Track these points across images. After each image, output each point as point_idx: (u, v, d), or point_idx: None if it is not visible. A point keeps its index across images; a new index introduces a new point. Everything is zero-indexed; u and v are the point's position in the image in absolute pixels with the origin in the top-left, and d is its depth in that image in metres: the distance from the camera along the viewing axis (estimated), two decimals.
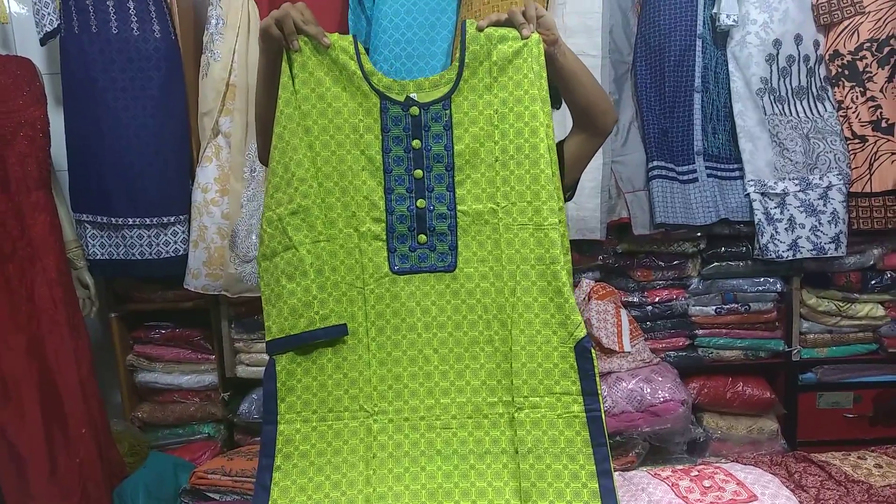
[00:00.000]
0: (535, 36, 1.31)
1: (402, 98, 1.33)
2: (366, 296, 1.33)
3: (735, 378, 2.42)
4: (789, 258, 2.29)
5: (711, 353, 2.42)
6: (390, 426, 1.33)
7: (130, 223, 2.24)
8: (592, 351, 1.29)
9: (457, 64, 1.33)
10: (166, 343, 2.48)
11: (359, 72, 1.32)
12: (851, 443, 2.42)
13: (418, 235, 1.33)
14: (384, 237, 1.32)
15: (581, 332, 1.28)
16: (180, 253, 2.30)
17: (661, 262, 2.36)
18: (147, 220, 2.25)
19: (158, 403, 2.49)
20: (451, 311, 1.33)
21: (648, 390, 2.09)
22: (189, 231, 2.30)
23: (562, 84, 1.39)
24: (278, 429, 1.31)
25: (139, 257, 2.27)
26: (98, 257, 2.28)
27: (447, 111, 1.32)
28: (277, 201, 1.30)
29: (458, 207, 1.32)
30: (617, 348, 2.18)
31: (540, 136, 1.28)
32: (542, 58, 1.31)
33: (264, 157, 1.41)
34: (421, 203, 1.32)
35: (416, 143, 1.32)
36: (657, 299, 2.38)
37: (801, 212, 2.30)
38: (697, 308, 2.40)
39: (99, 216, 2.24)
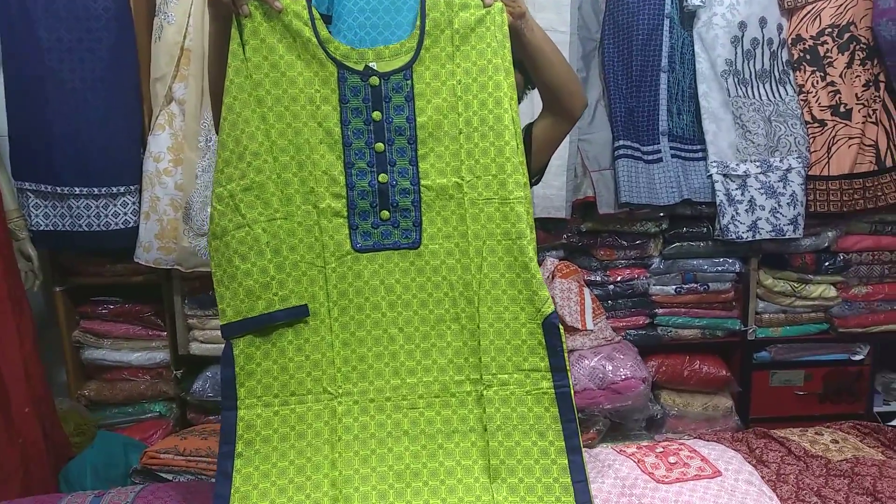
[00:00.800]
0: (498, 4, 1.26)
1: (360, 67, 1.28)
2: (327, 275, 1.28)
3: (692, 356, 2.46)
4: (749, 239, 2.33)
5: (670, 331, 2.45)
6: (355, 408, 1.29)
7: (77, 192, 2.14)
8: (560, 327, 1.27)
9: (417, 32, 1.28)
10: (115, 319, 2.38)
11: (314, 38, 1.26)
12: (802, 419, 2.48)
13: (381, 211, 1.29)
14: (345, 214, 1.27)
15: (549, 308, 1.26)
16: (130, 225, 2.21)
17: (623, 242, 2.37)
18: (95, 189, 2.16)
19: (106, 381, 2.40)
20: (416, 288, 1.29)
21: (610, 368, 2.10)
22: (140, 202, 2.21)
23: (529, 62, 1.35)
24: (238, 414, 1.27)
25: (86, 229, 2.18)
26: (42, 228, 2.17)
27: (408, 81, 1.27)
28: (228, 176, 1.24)
29: (422, 182, 1.28)
30: (580, 326, 2.18)
31: (504, 107, 1.25)
32: (506, 27, 1.27)
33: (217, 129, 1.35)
34: (383, 178, 1.28)
35: (376, 114, 1.28)
36: (619, 278, 2.39)
37: (762, 194, 2.33)
38: (658, 287, 2.42)
39: (43, 185, 2.14)
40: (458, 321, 1.29)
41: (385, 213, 1.28)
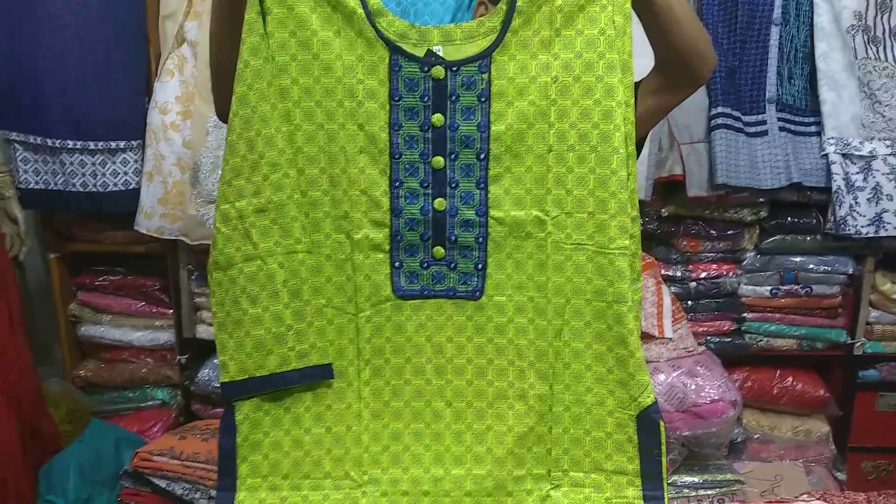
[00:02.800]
0: None
1: (421, 52, 0.96)
2: (359, 326, 1.01)
3: (784, 371, 2.09)
4: (869, 235, 1.90)
5: (760, 340, 2.06)
6: (383, 501, 1.01)
7: (70, 147, 1.88)
8: (661, 424, 0.99)
9: (503, 7, 0.95)
10: (116, 292, 2.11)
11: (360, 9, 0.94)
12: None
13: (434, 248, 1.00)
14: (387, 248, 1.00)
15: (648, 399, 0.98)
16: (131, 186, 1.93)
17: (712, 231, 1.97)
18: (91, 144, 1.89)
19: (105, 362, 2.14)
20: (472, 351, 1.01)
21: (693, 387, 1.74)
22: (143, 160, 1.93)
23: (652, 23, 1.01)
24: (237, 498, 1.00)
25: (81, 189, 1.92)
26: (31, 186, 1.92)
27: (485, 75, 0.95)
28: (238, 191, 0.95)
29: (492, 213, 0.99)
30: (656, 333, 1.81)
31: (615, 122, 0.94)
32: (629, 5, 0.94)
33: (224, 115, 1.06)
34: (440, 203, 0.99)
35: (437, 118, 0.97)
36: (703, 274, 2.00)
37: (891, 180, 1.90)
38: (750, 287, 2.02)
39: (31, 136, 1.88)
40: (525, 399, 1.01)
41: (439, 251, 1.00)
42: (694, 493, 1.78)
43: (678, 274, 2.00)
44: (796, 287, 2.01)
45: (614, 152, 0.94)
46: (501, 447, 1.00)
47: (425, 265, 1.00)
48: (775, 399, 2.07)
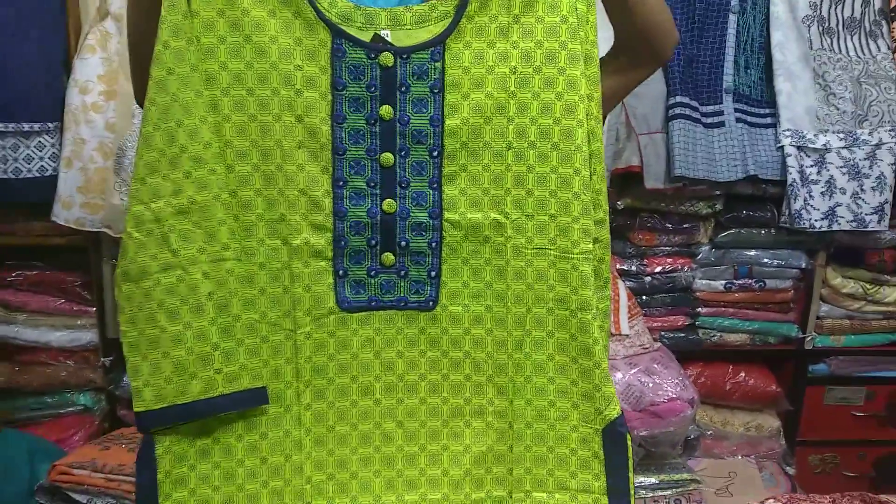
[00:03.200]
0: None
1: (367, 36, 0.87)
2: (298, 343, 0.90)
3: (736, 366, 2.07)
4: (823, 229, 1.89)
5: (714, 335, 2.03)
6: None
7: None
8: (628, 437, 0.93)
9: None
10: (32, 288, 1.93)
11: None
12: (856, 444, 2.16)
13: (382, 254, 0.91)
14: (330, 254, 0.90)
15: (614, 412, 0.91)
16: (48, 173, 1.77)
17: (668, 225, 1.92)
18: (1, 125, 1.72)
19: (20, 364, 1.95)
20: (426, 367, 0.92)
21: (650, 385, 1.69)
22: (61, 144, 1.77)
23: (615, 2, 0.94)
24: None
25: None
26: None
27: (438, 64, 0.87)
28: (154, 190, 0.82)
29: (446, 215, 0.90)
30: (613, 329, 1.75)
31: (578, 118, 0.87)
32: None
33: (141, 100, 0.93)
34: (389, 205, 0.89)
35: (385, 110, 0.87)
36: (658, 269, 1.95)
37: (844, 174, 1.88)
38: (704, 282, 1.99)
39: None
40: (483, 416, 0.93)
41: (389, 257, 0.91)
42: (651, 495, 1.74)
43: (633, 268, 1.95)
44: (750, 281, 1.99)
45: (577, 150, 0.87)
46: (458, 468, 0.92)
47: (373, 273, 0.90)
48: (728, 395, 2.05)
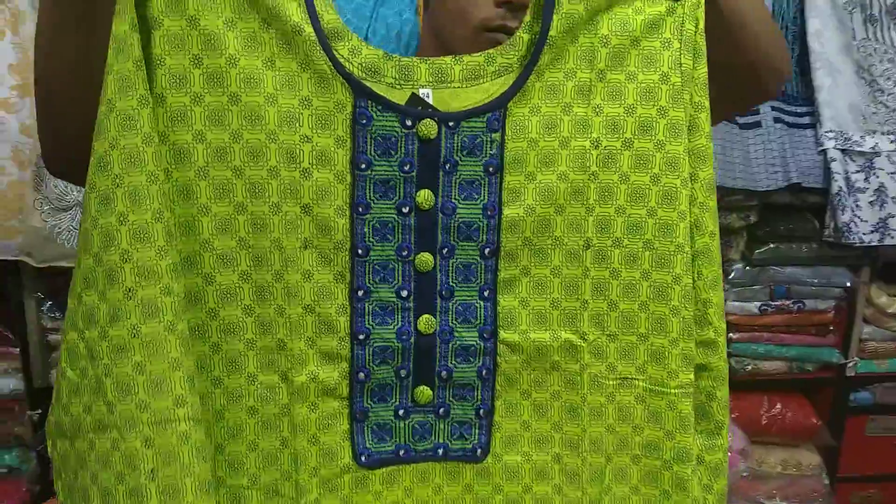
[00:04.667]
0: None
1: (402, 97, 0.65)
2: None
3: (772, 397, 1.85)
4: (873, 244, 1.67)
5: (748, 364, 1.80)
6: None
7: None
8: None
9: (524, 35, 0.65)
10: None
11: (308, 27, 0.60)
12: None
13: (416, 388, 0.70)
14: (345, 392, 0.68)
15: None
16: None
17: None
18: None
19: None
20: None
21: None
22: None
23: (719, 35, 0.72)
24: None
25: None
26: None
27: (496, 135, 0.65)
28: (88, 313, 0.58)
29: (502, 334, 0.70)
30: None
31: (679, 208, 0.67)
32: (702, 39, 0.66)
33: (57, 168, 0.73)
34: (426, 323, 0.68)
35: (424, 196, 0.66)
36: None
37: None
38: (737, 304, 1.76)
39: None
40: None
41: (425, 392, 0.70)
42: None
43: None
44: (787, 302, 1.77)
45: (678, 250, 0.66)
46: None
47: (402, 414, 0.68)
48: (764, 429, 1.83)
